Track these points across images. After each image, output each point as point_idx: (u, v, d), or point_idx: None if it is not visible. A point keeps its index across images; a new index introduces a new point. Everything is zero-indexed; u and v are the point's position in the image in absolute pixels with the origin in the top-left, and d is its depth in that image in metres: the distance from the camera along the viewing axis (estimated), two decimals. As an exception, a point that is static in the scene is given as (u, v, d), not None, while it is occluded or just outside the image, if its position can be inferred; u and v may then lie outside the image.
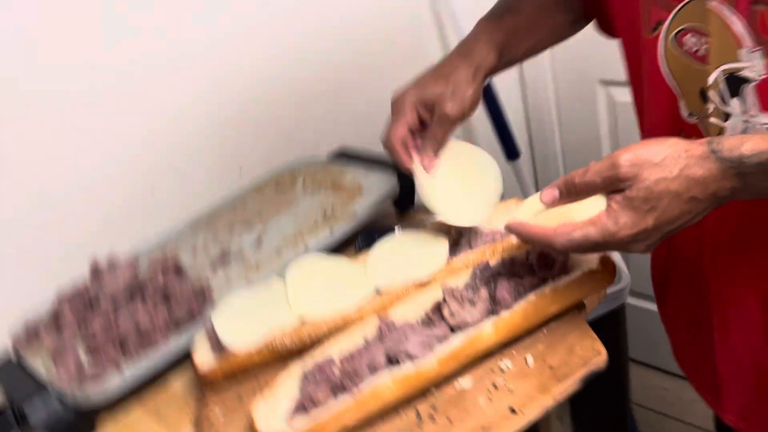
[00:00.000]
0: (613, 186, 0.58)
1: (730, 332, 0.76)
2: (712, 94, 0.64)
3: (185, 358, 0.80)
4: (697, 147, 0.56)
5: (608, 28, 0.84)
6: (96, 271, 0.91)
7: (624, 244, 0.58)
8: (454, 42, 1.41)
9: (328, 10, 1.26)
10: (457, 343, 0.67)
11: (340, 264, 0.83)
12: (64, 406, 0.74)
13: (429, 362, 0.66)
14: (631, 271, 1.37)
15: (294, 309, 0.77)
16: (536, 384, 0.66)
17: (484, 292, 0.70)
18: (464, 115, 0.79)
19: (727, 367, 0.79)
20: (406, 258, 0.80)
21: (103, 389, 0.75)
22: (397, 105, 0.80)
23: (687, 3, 0.63)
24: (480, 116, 1.46)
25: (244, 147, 1.21)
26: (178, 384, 0.82)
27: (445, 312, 0.69)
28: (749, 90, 0.61)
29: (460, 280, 0.73)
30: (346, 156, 1.16)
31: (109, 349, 0.78)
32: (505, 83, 1.55)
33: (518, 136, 1.53)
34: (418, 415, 0.66)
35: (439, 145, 0.80)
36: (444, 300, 0.70)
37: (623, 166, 0.56)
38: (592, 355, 0.68)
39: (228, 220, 1.06)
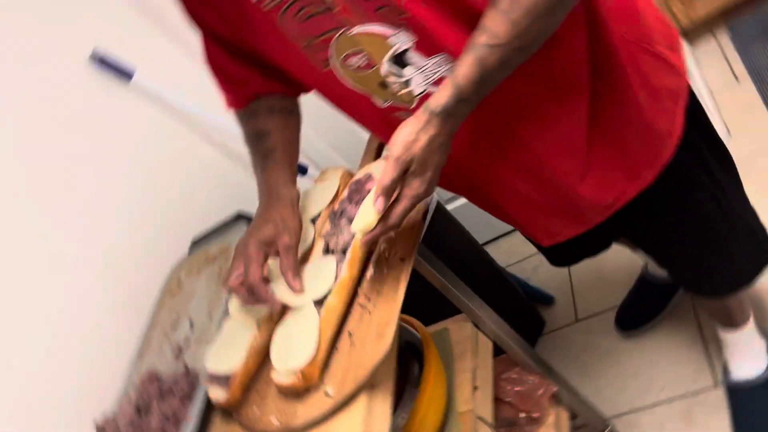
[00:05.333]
0: (403, 166, 0.82)
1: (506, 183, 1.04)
2: (390, 80, 0.91)
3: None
4: (422, 114, 0.82)
5: (305, 89, 1.12)
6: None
7: (426, 153, 0.82)
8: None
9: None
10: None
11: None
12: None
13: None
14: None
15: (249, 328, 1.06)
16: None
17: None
18: (298, 240, 1.00)
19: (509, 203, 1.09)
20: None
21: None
22: (243, 250, 0.97)
23: (336, 38, 0.89)
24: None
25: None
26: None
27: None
28: (411, 54, 0.88)
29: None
30: (200, 240, 1.46)
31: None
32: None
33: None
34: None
35: (296, 269, 0.98)
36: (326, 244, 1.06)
37: (393, 150, 0.83)
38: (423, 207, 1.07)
39: (158, 335, 1.31)
